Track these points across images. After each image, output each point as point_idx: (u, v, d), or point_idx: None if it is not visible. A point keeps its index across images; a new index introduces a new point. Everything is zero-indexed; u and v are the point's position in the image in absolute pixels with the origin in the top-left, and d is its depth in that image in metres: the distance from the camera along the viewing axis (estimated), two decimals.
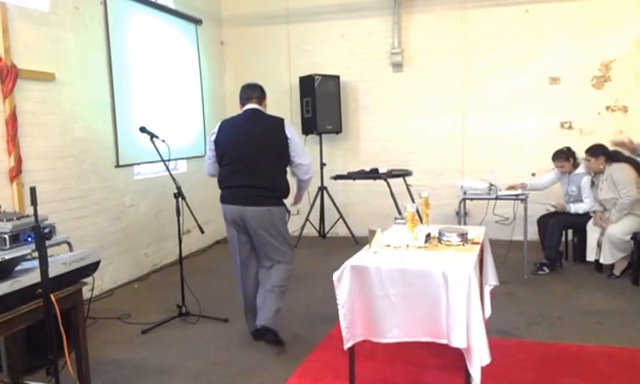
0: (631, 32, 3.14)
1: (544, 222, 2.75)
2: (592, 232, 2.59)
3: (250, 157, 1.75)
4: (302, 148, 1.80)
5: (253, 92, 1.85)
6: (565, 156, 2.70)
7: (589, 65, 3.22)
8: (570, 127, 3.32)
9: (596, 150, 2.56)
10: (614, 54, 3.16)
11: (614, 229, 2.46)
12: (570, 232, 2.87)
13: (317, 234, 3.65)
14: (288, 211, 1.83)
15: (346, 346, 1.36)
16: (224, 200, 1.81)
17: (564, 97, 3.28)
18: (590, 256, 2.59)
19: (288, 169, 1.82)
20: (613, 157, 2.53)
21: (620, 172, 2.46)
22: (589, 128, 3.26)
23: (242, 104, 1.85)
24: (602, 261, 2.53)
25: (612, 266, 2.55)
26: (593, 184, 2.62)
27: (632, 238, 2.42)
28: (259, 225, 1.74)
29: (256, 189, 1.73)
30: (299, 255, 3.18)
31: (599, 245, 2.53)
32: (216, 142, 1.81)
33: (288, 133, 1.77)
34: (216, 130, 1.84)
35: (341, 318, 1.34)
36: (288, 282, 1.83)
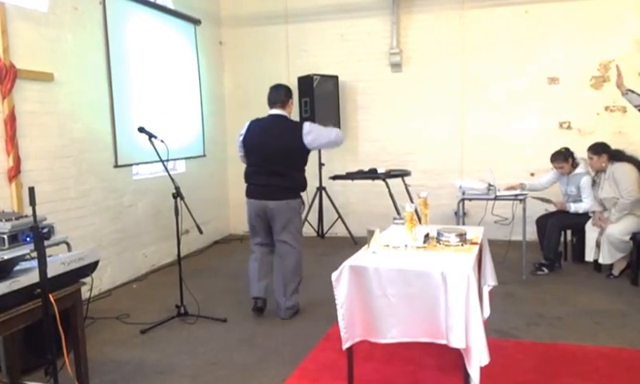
0: (630, 32, 3.14)
1: (543, 222, 2.75)
2: (591, 232, 2.59)
3: (270, 161, 2.00)
4: (323, 140, 2.03)
5: (277, 96, 2.06)
6: (563, 157, 2.70)
7: (587, 65, 3.22)
8: (568, 127, 3.32)
9: (598, 148, 2.54)
10: (612, 54, 3.16)
11: (614, 229, 2.45)
12: (569, 232, 2.87)
13: (315, 234, 3.65)
14: (303, 203, 2.10)
15: (345, 346, 1.35)
16: (248, 195, 2.08)
17: (563, 97, 3.29)
18: (589, 256, 2.59)
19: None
20: (615, 156, 2.52)
21: (622, 171, 2.45)
22: (588, 128, 3.26)
23: (269, 106, 2.08)
24: (600, 261, 2.53)
25: (611, 267, 2.55)
26: (594, 183, 2.60)
27: (631, 239, 2.41)
28: (278, 214, 2.02)
29: (275, 187, 2.00)
30: None
31: (598, 245, 2.53)
32: (243, 142, 2.09)
33: (305, 140, 1.99)
34: (244, 130, 2.09)
35: (339, 318, 1.34)
36: (300, 269, 2.11)
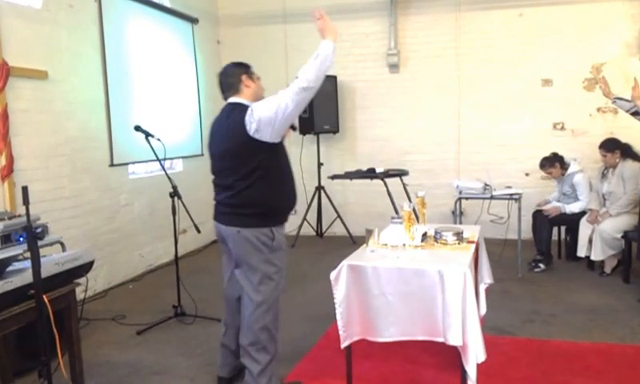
0: (621, 36, 3.20)
1: (538, 216, 2.78)
2: (584, 228, 2.62)
3: (219, 169, 1.39)
4: (272, 116, 1.27)
5: (225, 80, 1.41)
6: (550, 162, 2.74)
7: (580, 67, 3.28)
8: (562, 128, 3.37)
9: (610, 145, 2.56)
10: (604, 57, 3.23)
11: (607, 225, 2.49)
12: (562, 230, 2.90)
13: (314, 233, 3.65)
14: (273, 236, 1.34)
15: (343, 345, 1.36)
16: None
17: (556, 98, 3.34)
18: (581, 252, 2.63)
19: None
20: (626, 151, 2.53)
21: (631, 170, 2.46)
22: (581, 129, 3.32)
23: (224, 99, 1.43)
24: (592, 257, 2.57)
25: (603, 265, 2.59)
26: (603, 176, 2.62)
27: (623, 237, 2.45)
28: (231, 245, 1.36)
29: (224, 205, 1.37)
30: (297, 254, 3.18)
31: (590, 241, 2.56)
32: (208, 145, 1.48)
33: (250, 130, 1.27)
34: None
35: (338, 317, 1.35)
36: (263, 334, 1.35)
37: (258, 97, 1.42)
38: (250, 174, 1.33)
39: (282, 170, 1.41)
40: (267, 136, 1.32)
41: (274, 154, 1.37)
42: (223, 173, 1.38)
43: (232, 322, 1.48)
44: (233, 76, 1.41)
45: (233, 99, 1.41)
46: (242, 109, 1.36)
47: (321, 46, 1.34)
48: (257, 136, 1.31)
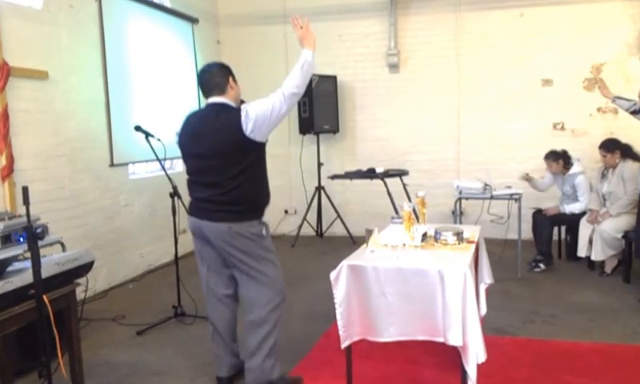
0: (621, 36, 3.20)
1: (538, 216, 2.79)
2: (584, 228, 2.62)
3: (205, 167, 1.40)
4: (266, 115, 1.33)
5: (211, 79, 1.43)
6: (553, 157, 2.74)
7: (580, 67, 3.28)
8: (562, 128, 3.37)
9: (610, 145, 2.55)
10: (604, 57, 3.23)
11: (607, 225, 2.49)
12: (563, 230, 2.91)
13: (314, 233, 3.66)
14: (265, 226, 1.44)
15: (343, 345, 1.36)
16: (188, 211, 1.49)
17: (556, 98, 3.34)
18: (581, 252, 2.63)
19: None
20: (626, 151, 2.52)
21: (631, 170, 2.46)
22: (581, 129, 3.32)
23: (205, 97, 1.46)
24: (593, 257, 2.57)
25: (603, 264, 2.59)
26: (603, 176, 2.62)
27: (623, 237, 2.45)
28: (219, 243, 1.40)
29: (210, 202, 1.40)
30: (297, 254, 3.20)
31: (590, 241, 2.57)
32: (179, 143, 1.49)
33: (247, 130, 1.33)
34: (180, 128, 1.49)
35: (338, 317, 1.35)
36: (274, 314, 1.42)
37: (237, 100, 1.48)
38: (241, 173, 1.40)
39: (264, 168, 1.49)
40: (259, 135, 1.39)
41: (262, 153, 1.45)
42: (210, 170, 1.41)
43: (217, 318, 1.54)
44: (220, 76, 1.46)
45: (217, 99, 1.45)
46: (232, 110, 1.42)
47: (303, 55, 1.43)
48: (251, 136, 1.38)
